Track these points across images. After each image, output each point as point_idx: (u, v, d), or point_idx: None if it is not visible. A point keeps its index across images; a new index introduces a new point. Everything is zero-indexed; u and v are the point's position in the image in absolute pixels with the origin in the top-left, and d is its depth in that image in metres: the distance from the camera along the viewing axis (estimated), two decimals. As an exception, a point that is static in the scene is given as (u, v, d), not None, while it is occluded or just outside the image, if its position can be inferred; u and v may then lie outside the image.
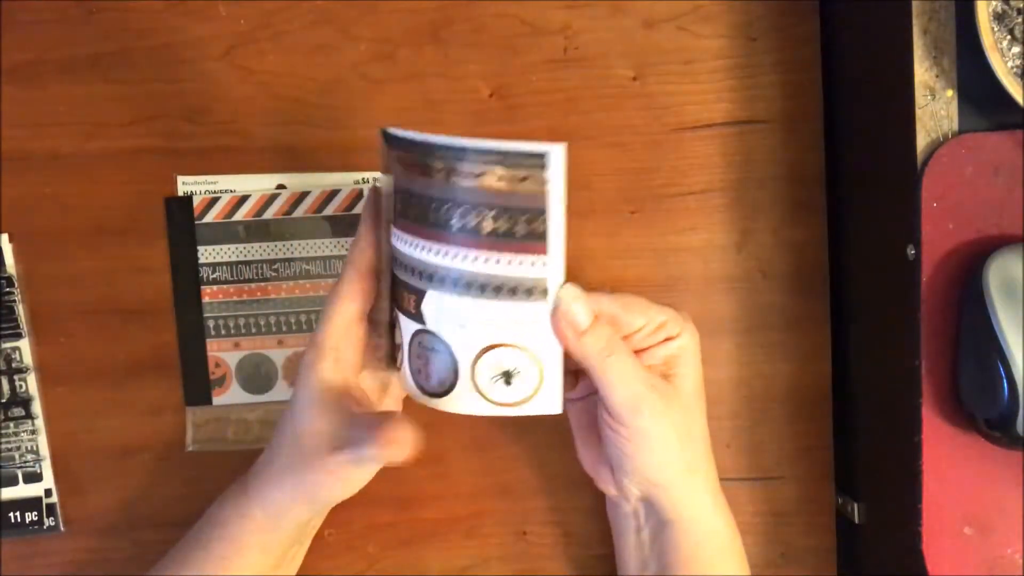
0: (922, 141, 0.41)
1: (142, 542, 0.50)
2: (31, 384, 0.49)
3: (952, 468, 0.42)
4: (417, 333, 0.39)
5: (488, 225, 0.36)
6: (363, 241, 0.41)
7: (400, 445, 0.37)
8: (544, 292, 0.37)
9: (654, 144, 0.50)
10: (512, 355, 0.38)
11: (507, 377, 0.39)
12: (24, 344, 0.49)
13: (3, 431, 0.49)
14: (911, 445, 0.42)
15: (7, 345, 0.49)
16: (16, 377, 0.49)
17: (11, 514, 0.50)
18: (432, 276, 0.38)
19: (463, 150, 0.36)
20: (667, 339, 0.41)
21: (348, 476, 0.40)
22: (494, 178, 0.36)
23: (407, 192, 0.38)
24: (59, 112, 0.49)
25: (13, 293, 0.49)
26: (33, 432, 0.49)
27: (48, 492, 0.50)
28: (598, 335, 0.38)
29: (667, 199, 0.50)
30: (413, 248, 0.38)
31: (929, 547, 0.42)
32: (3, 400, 0.49)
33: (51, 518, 0.50)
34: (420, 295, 0.38)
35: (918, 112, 0.41)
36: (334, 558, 0.50)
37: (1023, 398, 0.39)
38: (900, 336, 0.43)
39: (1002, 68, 0.39)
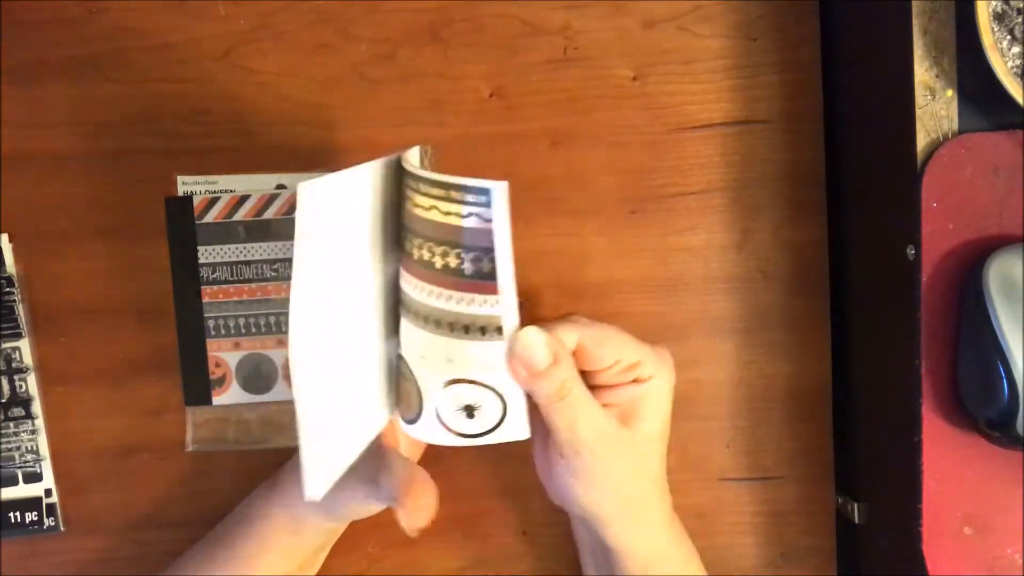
0: (922, 141, 0.41)
1: (142, 542, 0.50)
2: (31, 384, 0.49)
3: (952, 468, 0.42)
4: (397, 358, 0.39)
5: (439, 261, 0.35)
6: None
7: (423, 512, 0.37)
8: (499, 330, 0.36)
9: (654, 144, 0.50)
10: (472, 391, 0.37)
11: (469, 411, 0.38)
12: (24, 344, 0.49)
13: (3, 431, 0.49)
14: (911, 445, 0.42)
15: (7, 345, 0.49)
16: (16, 377, 0.49)
17: (11, 514, 0.50)
18: (403, 303, 0.38)
19: (417, 179, 0.35)
20: (636, 380, 0.40)
21: (366, 504, 0.40)
22: (440, 213, 0.35)
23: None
24: (59, 112, 0.49)
25: (13, 293, 0.49)
26: (33, 432, 0.49)
27: (48, 492, 0.50)
28: (552, 379, 0.37)
29: (667, 199, 0.50)
30: (398, 273, 0.38)
31: (929, 547, 0.42)
32: (3, 400, 0.49)
33: (51, 518, 0.50)
34: (397, 321, 0.38)
35: (918, 112, 0.41)
36: (334, 557, 0.49)
37: (1023, 398, 0.39)
38: (900, 336, 0.43)
39: (1002, 68, 0.39)
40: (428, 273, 0.36)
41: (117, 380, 0.50)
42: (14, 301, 0.49)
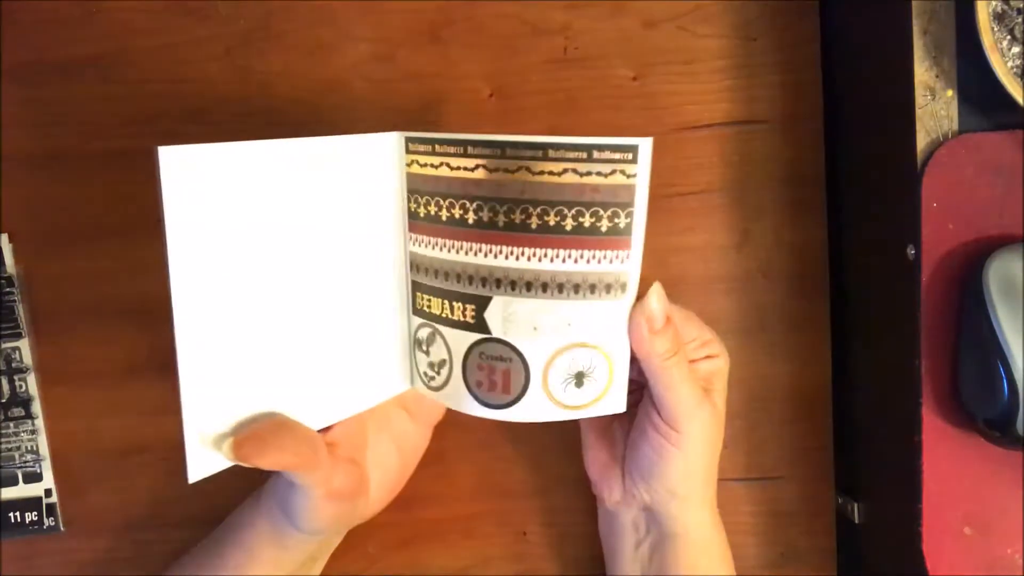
0: (922, 141, 0.41)
1: (142, 542, 0.50)
2: (31, 384, 0.49)
3: (952, 468, 0.42)
4: (477, 343, 0.39)
5: (570, 223, 0.36)
6: None
7: (338, 474, 0.39)
8: (624, 287, 0.37)
9: (654, 144, 0.50)
10: (586, 355, 0.38)
11: (579, 379, 0.39)
12: (24, 344, 0.49)
13: (3, 431, 0.49)
14: (911, 445, 0.42)
15: (7, 345, 0.49)
16: (16, 377, 0.49)
17: (11, 514, 0.50)
18: (500, 281, 0.37)
19: (542, 147, 0.35)
20: (708, 356, 0.43)
21: (317, 502, 0.40)
22: (576, 175, 0.35)
23: (458, 196, 0.37)
24: (59, 112, 0.49)
25: (13, 293, 0.49)
26: (33, 432, 0.49)
27: (48, 492, 0.50)
28: (668, 335, 0.39)
29: (667, 199, 0.50)
30: (470, 254, 0.38)
31: (929, 547, 0.42)
32: (3, 400, 0.49)
33: (51, 518, 0.50)
34: (482, 302, 0.38)
35: (918, 112, 0.41)
36: (334, 558, 0.49)
37: (1023, 398, 0.39)
38: (900, 336, 0.43)
39: (1002, 68, 0.39)
40: (556, 238, 0.36)
41: (117, 380, 0.50)
42: (14, 301, 0.49)
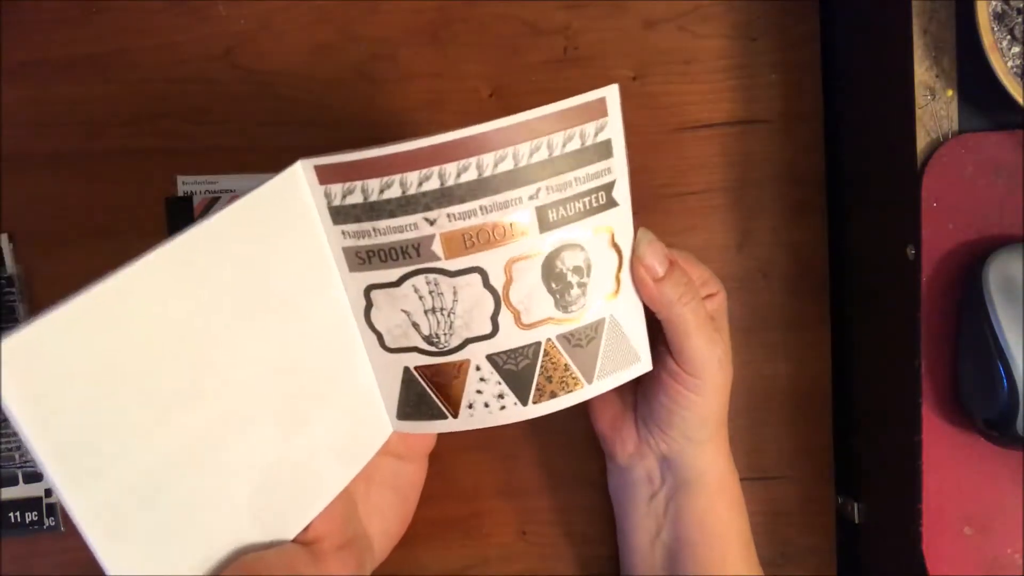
0: (922, 141, 0.41)
1: (142, 542, 0.50)
2: (31, 384, 0.49)
3: (952, 468, 0.42)
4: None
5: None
6: None
7: None
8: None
9: (654, 144, 0.50)
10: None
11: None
12: (24, 344, 0.49)
13: (3, 431, 0.49)
14: (911, 445, 0.42)
15: (7, 345, 0.49)
16: (16, 377, 0.49)
17: (11, 514, 0.50)
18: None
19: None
20: (710, 295, 0.42)
21: None
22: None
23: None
24: (59, 112, 0.49)
25: (13, 293, 0.49)
26: (33, 432, 0.49)
27: (48, 492, 0.50)
28: (675, 280, 0.38)
29: (667, 199, 0.50)
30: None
31: (929, 547, 0.42)
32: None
33: (51, 518, 0.50)
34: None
35: (918, 112, 0.41)
36: (334, 558, 0.49)
37: (1023, 398, 0.39)
38: (900, 336, 0.43)
39: (1002, 68, 0.39)
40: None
41: (117, 380, 0.50)
42: (14, 301, 0.49)
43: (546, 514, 0.51)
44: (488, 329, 0.37)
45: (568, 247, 0.37)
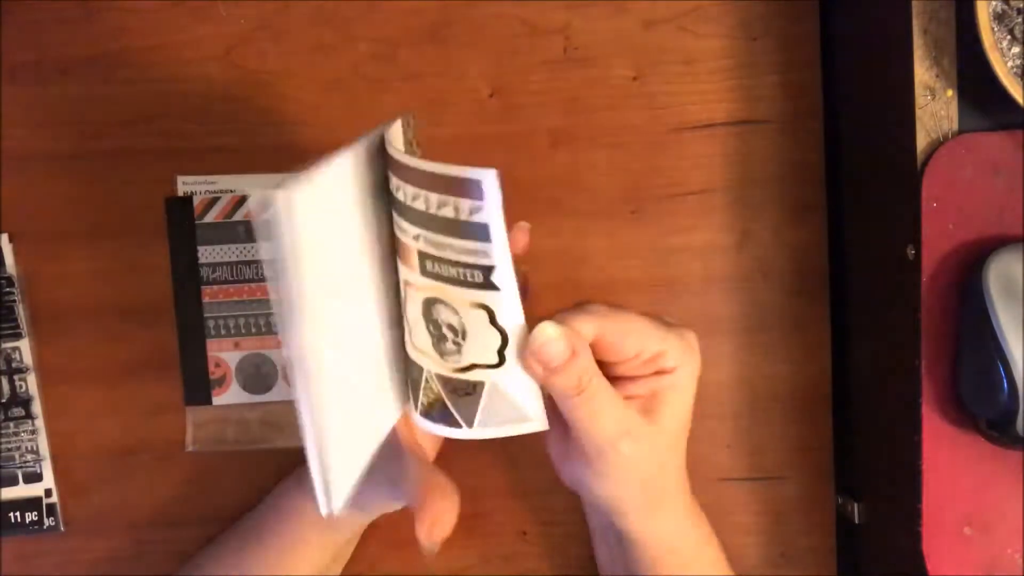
0: (922, 141, 0.41)
1: (142, 542, 0.50)
2: (31, 384, 0.49)
3: (952, 468, 0.42)
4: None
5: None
6: None
7: (442, 525, 0.35)
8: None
9: (654, 144, 0.50)
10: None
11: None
12: (24, 344, 0.49)
13: (3, 431, 0.49)
14: (911, 445, 0.42)
15: (7, 345, 0.49)
16: (16, 377, 0.49)
17: (11, 514, 0.50)
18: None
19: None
20: (659, 372, 0.38)
21: (392, 503, 0.40)
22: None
23: None
24: (59, 112, 0.49)
25: (13, 293, 0.49)
26: (33, 432, 0.49)
27: (48, 492, 0.50)
28: (569, 374, 0.35)
29: (667, 199, 0.50)
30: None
31: (929, 547, 0.42)
32: (3, 400, 0.49)
33: (51, 518, 0.50)
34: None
35: (918, 112, 0.41)
36: (334, 558, 0.50)
37: (1023, 398, 0.39)
38: (900, 336, 0.43)
39: (1002, 68, 0.39)
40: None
41: (117, 380, 0.50)
42: (14, 301, 0.49)
43: (546, 514, 0.51)
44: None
45: (443, 303, 0.34)
